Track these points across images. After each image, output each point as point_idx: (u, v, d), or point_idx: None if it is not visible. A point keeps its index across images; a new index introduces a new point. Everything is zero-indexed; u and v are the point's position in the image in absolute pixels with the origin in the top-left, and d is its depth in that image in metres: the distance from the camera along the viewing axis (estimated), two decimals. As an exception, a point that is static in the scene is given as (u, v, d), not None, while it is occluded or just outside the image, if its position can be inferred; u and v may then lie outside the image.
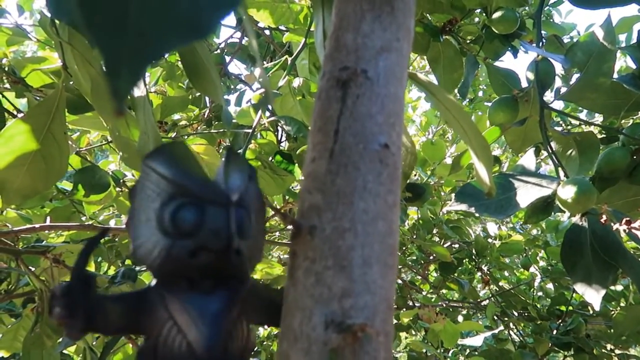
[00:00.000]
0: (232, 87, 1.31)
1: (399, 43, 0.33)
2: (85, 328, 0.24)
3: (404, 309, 1.96)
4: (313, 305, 0.25)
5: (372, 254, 0.27)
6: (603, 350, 1.67)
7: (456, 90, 1.08)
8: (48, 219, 0.83)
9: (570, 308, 1.90)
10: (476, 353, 1.71)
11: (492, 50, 1.08)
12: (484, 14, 1.01)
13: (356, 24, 0.33)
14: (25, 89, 0.69)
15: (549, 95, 1.02)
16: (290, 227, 0.28)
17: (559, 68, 0.98)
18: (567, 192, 0.61)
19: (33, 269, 0.75)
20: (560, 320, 1.78)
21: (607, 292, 1.51)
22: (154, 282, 0.26)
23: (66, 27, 0.55)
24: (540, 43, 0.83)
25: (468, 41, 1.07)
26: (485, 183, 0.51)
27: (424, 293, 2.07)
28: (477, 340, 1.32)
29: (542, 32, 1.91)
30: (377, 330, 0.25)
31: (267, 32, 1.19)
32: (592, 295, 0.68)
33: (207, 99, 1.24)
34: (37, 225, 0.72)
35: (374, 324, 0.25)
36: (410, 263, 1.75)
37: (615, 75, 0.82)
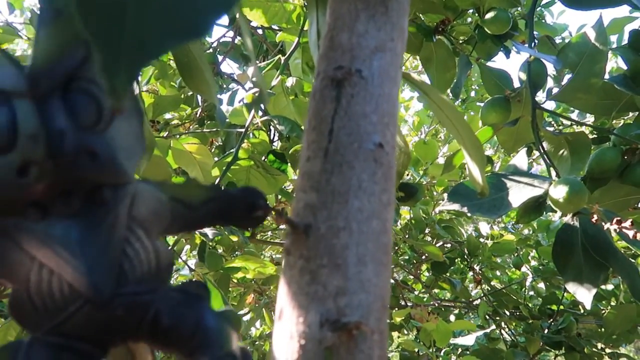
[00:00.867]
0: (224, 86, 1.31)
1: (393, 43, 0.33)
2: None
3: (397, 309, 1.97)
4: (308, 303, 0.25)
5: (366, 252, 0.27)
6: (594, 349, 1.68)
7: (449, 90, 1.09)
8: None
9: (562, 307, 1.92)
10: (468, 352, 1.72)
11: (484, 51, 1.08)
12: (477, 14, 1.02)
13: (351, 24, 0.33)
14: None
15: (540, 96, 1.03)
16: (284, 226, 0.28)
17: (550, 68, 0.99)
18: (559, 192, 0.61)
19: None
20: (551, 320, 1.79)
21: (598, 291, 1.52)
22: None
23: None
24: (533, 44, 0.84)
25: (461, 41, 1.07)
26: (478, 182, 0.52)
27: (416, 292, 2.08)
28: (469, 340, 1.32)
29: (535, 32, 1.92)
30: (372, 329, 0.25)
31: (259, 31, 1.19)
32: (584, 294, 0.69)
33: (199, 98, 1.24)
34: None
35: (369, 322, 0.25)
36: (402, 262, 1.75)
37: (607, 76, 0.83)
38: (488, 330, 1.59)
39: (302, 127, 0.86)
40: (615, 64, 2.35)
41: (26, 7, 1.45)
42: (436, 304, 1.80)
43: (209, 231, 0.98)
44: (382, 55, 0.32)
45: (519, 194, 0.63)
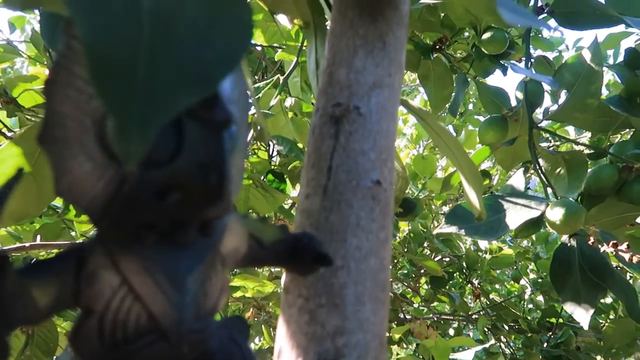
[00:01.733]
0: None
1: (391, 78, 0.34)
2: (5, 335, 0.16)
3: (396, 322, 1.96)
4: (307, 343, 0.26)
5: (364, 291, 0.27)
6: (593, 363, 1.67)
7: (447, 108, 1.09)
8: (38, 237, 0.83)
9: (561, 320, 1.91)
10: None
11: (482, 68, 1.09)
12: (474, 32, 1.02)
13: (349, 60, 0.33)
14: (17, 109, 0.69)
15: (538, 112, 1.03)
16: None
17: (547, 86, 0.99)
18: (556, 214, 0.62)
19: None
20: (550, 333, 1.79)
21: (597, 304, 1.52)
22: (97, 234, 0.18)
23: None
24: (529, 63, 0.84)
25: (458, 59, 1.08)
26: (475, 207, 0.52)
27: (415, 305, 2.07)
28: (468, 355, 1.32)
29: (531, 48, 1.93)
30: (370, 369, 0.26)
31: (258, 48, 1.20)
32: (581, 314, 0.69)
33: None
34: (27, 244, 0.72)
35: (367, 362, 0.26)
36: (401, 276, 1.75)
37: (604, 90, 0.83)
38: (487, 345, 1.58)
39: (301, 147, 0.87)
40: (612, 76, 2.36)
41: (27, 24, 1.46)
42: (435, 318, 1.80)
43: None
44: (380, 91, 0.33)
45: (516, 215, 0.63)
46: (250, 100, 0.22)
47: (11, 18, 1.15)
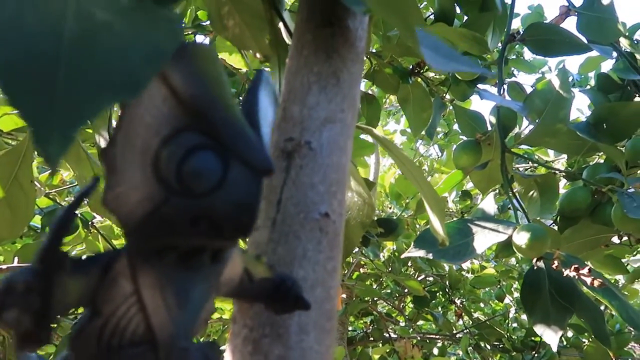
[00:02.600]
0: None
1: (343, 114, 0.35)
2: (45, 331, 0.17)
3: (381, 342, 1.97)
4: (250, 372, 0.27)
5: (309, 320, 0.28)
6: (575, 383, 1.68)
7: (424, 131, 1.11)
8: (16, 259, 0.83)
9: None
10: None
11: (459, 92, 1.11)
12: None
13: (302, 96, 0.35)
14: (-4, 132, 0.70)
15: (516, 131, 1.05)
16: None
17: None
18: (521, 238, 0.63)
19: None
20: (534, 352, 1.80)
21: (579, 323, 1.53)
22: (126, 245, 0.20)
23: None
24: (502, 89, 0.87)
25: (436, 83, 1.10)
26: (439, 234, 0.54)
27: (401, 323, 2.08)
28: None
29: (514, 69, 1.96)
30: (311, 397, 0.27)
31: (242, 70, 1.21)
32: (550, 336, 0.70)
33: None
34: (4, 267, 0.73)
35: (308, 391, 0.27)
36: (385, 296, 1.76)
37: (587, 111, 0.85)
38: (470, 364, 1.59)
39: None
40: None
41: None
42: (419, 337, 1.80)
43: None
44: (332, 126, 0.34)
45: (483, 239, 0.64)
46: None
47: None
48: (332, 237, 0.31)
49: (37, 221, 0.99)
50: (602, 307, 0.86)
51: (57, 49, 0.16)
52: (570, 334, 2.04)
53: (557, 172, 0.90)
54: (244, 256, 0.24)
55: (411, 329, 1.93)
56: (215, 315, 0.97)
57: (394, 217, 1.43)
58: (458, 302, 1.75)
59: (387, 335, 1.91)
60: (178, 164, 0.17)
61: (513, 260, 2.21)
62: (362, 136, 1.43)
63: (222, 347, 0.25)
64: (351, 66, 0.37)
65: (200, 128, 0.17)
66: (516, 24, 2.05)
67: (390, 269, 1.67)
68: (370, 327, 2.01)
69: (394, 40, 1.05)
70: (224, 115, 0.17)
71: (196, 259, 0.19)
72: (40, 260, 0.17)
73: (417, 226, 1.78)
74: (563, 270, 0.60)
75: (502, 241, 0.77)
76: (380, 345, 1.96)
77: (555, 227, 1.01)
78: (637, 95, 1.02)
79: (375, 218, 1.37)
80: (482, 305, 2.10)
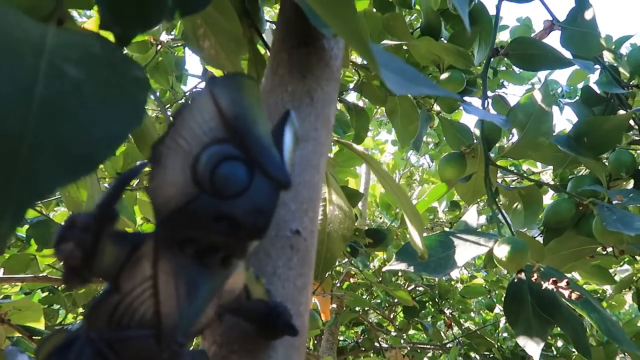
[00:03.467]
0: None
1: (316, 132, 0.36)
2: (87, 276, 0.20)
3: (372, 351, 1.97)
4: (218, 388, 0.27)
5: (277, 337, 0.29)
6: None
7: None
8: (2, 270, 0.83)
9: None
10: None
11: (446, 104, 1.13)
12: (438, 70, 1.06)
13: (276, 115, 0.35)
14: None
15: (505, 141, 1.06)
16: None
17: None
18: (502, 251, 0.64)
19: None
20: (523, 362, 1.80)
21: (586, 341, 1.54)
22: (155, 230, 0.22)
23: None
24: (486, 103, 0.88)
25: (423, 95, 1.11)
26: (418, 247, 0.54)
27: (393, 333, 2.08)
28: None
29: (504, 81, 1.97)
30: (277, 413, 0.27)
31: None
32: (532, 348, 0.71)
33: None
34: (-11, 278, 0.73)
35: (274, 407, 0.27)
36: (374, 305, 1.76)
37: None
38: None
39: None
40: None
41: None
42: (409, 347, 1.80)
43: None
44: (305, 145, 0.35)
45: (465, 252, 0.65)
46: None
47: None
48: (303, 254, 0.32)
49: (22, 231, 0.99)
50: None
51: (26, 119, 0.17)
52: (560, 343, 2.05)
53: (541, 183, 0.91)
54: (247, 273, 0.26)
55: (402, 339, 1.93)
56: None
57: (384, 227, 1.43)
58: (447, 312, 1.75)
59: (378, 345, 1.91)
60: (212, 169, 0.19)
61: (504, 270, 2.22)
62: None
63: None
64: (325, 85, 0.38)
65: (235, 142, 0.20)
66: (505, 36, 2.08)
67: (380, 279, 1.68)
68: (361, 337, 2.02)
69: (382, 53, 1.06)
70: (256, 135, 0.20)
71: (210, 257, 0.21)
72: (99, 207, 0.19)
73: (407, 236, 1.79)
74: (542, 282, 0.60)
75: (490, 252, 0.78)
76: (372, 355, 1.96)
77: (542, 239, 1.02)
78: (621, 108, 1.03)
79: (366, 228, 1.38)
80: (472, 314, 2.11)
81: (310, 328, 1.27)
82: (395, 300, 1.75)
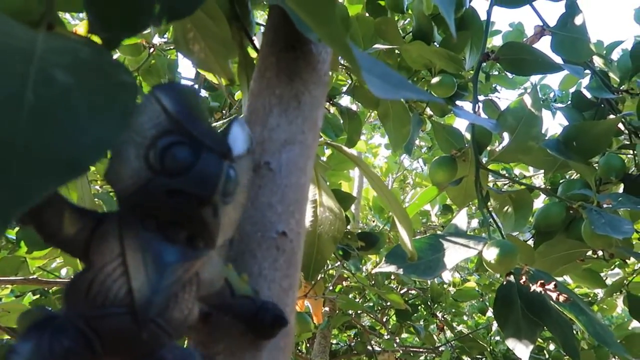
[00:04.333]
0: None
1: (303, 135, 0.36)
2: (33, 214, 0.22)
3: (364, 355, 1.97)
4: (203, 388, 0.27)
5: (263, 338, 0.29)
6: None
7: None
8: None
9: (527, 352, 1.93)
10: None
11: (438, 108, 1.13)
12: (430, 74, 1.07)
13: (264, 118, 0.36)
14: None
15: (497, 145, 1.07)
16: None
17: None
18: (490, 254, 0.64)
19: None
20: (516, 366, 1.81)
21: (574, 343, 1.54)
22: (118, 210, 0.24)
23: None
24: (477, 106, 0.88)
25: (414, 99, 1.12)
26: (408, 248, 0.55)
27: (386, 336, 2.08)
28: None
29: (497, 86, 1.98)
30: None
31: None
32: (522, 350, 0.71)
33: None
34: (-22, 281, 0.72)
35: (258, 407, 0.27)
36: (367, 309, 1.76)
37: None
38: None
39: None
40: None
41: None
42: (401, 351, 1.81)
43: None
44: (291, 147, 0.35)
45: (454, 254, 0.66)
46: (250, 182, 0.28)
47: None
48: (289, 256, 0.32)
49: (12, 233, 0.99)
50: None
51: (16, 125, 0.17)
52: (552, 347, 2.05)
53: (531, 187, 0.92)
54: (225, 267, 0.27)
55: (395, 343, 1.93)
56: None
57: (376, 230, 1.44)
58: (440, 315, 1.76)
59: (371, 348, 1.92)
60: (162, 153, 0.22)
61: (497, 274, 2.23)
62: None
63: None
64: (313, 89, 0.38)
65: (179, 131, 0.23)
66: (498, 41, 2.09)
67: (373, 282, 1.68)
68: (354, 341, 2.02)
69: (374, 57, 1.07)
70: (195, 122, 0.23)
71: (173, 232, 0.23)
72: None
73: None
74: (530, 285, 0.61)
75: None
76: (364, 358, 1.96)
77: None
78: (611, 113, 1.04)
79: (359, 231, 1.38)
80: (465, 318, 2.11)
81: (302, 331, 1.27)
82: (388, 304, 1.75)
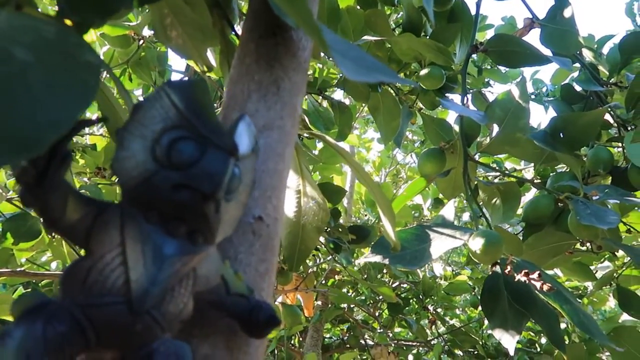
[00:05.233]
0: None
1: (282, 121, 0.36)
2: (40, 197, 0.22)
3: (357, 349, 1.97)
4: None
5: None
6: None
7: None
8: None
9: (519, 346, 1.94)
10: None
11: (428, 101, 1.13)
12: (420, 67, 1.07)
13: (242, 103, 0.36)
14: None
15: (484, 139, 1.07)
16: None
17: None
18: (476, 244, 0.65)
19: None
20: (507, 358, 1.82)
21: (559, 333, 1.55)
22: (121, 201, 0.24)
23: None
24: (466, 99, 0.89)
25: (405, 92, 1.12)
26: (391, 238, 0.55)
27: (379, 330, 2.09)
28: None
29: (490, 80, 1.98)
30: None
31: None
32: (508, 340, 0.72)
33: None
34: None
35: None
36: (359, 302, 1.77)
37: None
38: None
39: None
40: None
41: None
42: (393, 344, 1.81)
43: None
44: (269, 133, 0.35)
45: (440, 245, 0.66)
46: (254, 181, 0.28)
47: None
48: (265, 240, 0.32)
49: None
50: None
51: None
52: (544, 340, 2.06)
53: (523, 180, 0.92)
54: (222, 264, 0.27)
55: (388, 337, 1.94)
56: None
57: (369, 224, 1.44)
58: (431, 308, 1.76)
59: (363, 342, 1.92)
60: (169, 147, 0.23)
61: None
62: (339, 144, 1.44)
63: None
64: (293, 75, 0.38)
65: (187, 127, 0.23)
66: (491, 35, 2.09)
67: (365, 276, 1.68)
68: (347, 335, 2.02)
69: (364, 49, 1.07)
70: (204, 118, 0.24)
71: (173, 226, 0.24)
72: (51, 147, 0.22)
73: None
74: (515, 275, 0.61)
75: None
76: (357, 352, 1.97)
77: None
78: (600, 105, 1.05)
79: (350, 224, 1.38)
80: (458, 312, 2.12)
81: (293, 323, 1.27)
82: (380, 297, 1.76)
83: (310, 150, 1.56)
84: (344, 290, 1.79)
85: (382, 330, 1.81)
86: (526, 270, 0.59)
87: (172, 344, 0.24)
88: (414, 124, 1.65)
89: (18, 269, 0.81)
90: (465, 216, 1.69)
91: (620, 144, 1.05)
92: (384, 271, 1.73)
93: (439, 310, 1.85)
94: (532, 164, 1.43)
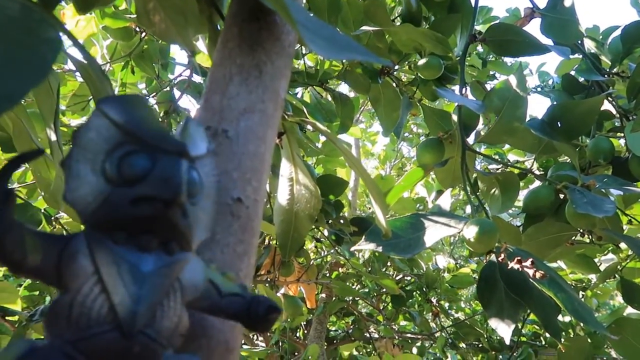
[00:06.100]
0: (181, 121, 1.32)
1: (263, 104, 0.36)
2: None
3: (362, 342, 1.98)
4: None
5: (213, 300, 0.29)
6: (550, 381, 1.70)
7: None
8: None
9: (523, 339, 1.94)
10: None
11: (429, 92, 1.13)
12: (420, 57, 1.07)
13: (224, 87, 0.36)
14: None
15: (481, 128, 1.06)
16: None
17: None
18: (470, 232, 0.65)
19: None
20: (511, 351, 1.81)
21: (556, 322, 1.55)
22: (83, 230, 0.23)
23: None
24: (464, 89, 0.88)
25: (405, 83, 1.12)
26: (382, 225, 0.55)
27: (383, 323, 2.09)
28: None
29: (495, 73, 1.97)
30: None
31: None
32: (504, 330, 0.72)
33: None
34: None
35: (206, 366, 0.28)
36: (362, 295, 1.77)
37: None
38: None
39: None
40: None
41: None
42: (397, 337, 1.81)
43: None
44: (250, 116, 0.35)
45: (434, 233, 0.66)
46: (218, 181, 0.29)
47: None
48: (244, 222, 0.33)
49: None
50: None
51: None
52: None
53: (521, 169, 0.91)
54: (207, 268, 0.27)
55: (395, 329, 1.94)
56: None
57: (372, 217, 1.44)
58: (434, 301, 1.76)
59: (368, 335, 1.93)
60: (118, 165, 0.23)
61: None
62: (341, 136, 1.44)
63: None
64: (276, 59, 0.38)
65: (132, 141, 0.23)
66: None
67: (370, 269, 1.68)
68: (352, 327, 2.03)
69: (364, 40, 1.07)
70: (147, 128, 0.24)
71: (145, 241, 0.23)
72: None
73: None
74: (508, 262, 0.61)
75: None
76: (361, 344, 1.97)
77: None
78: (602, 95, 1.04)
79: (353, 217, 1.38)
80: (463, 305, 2.12)
81: (295, 315, 1.27)
82: (383, 290, 1.76)
83: (314, 143, 1.56)
84: (348, 283, 1.79)
85: (385, 322, 1.81)
86: (519, 258, 0.58)
87: (178, 358, 0.24)
88: (416, 116, 1.64)
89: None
90: (468, 209, 1.68)
91: (622, 135, 1.04)
92: (388, 264, 1.73)
93: (442, 302, 1.85)
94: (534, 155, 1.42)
